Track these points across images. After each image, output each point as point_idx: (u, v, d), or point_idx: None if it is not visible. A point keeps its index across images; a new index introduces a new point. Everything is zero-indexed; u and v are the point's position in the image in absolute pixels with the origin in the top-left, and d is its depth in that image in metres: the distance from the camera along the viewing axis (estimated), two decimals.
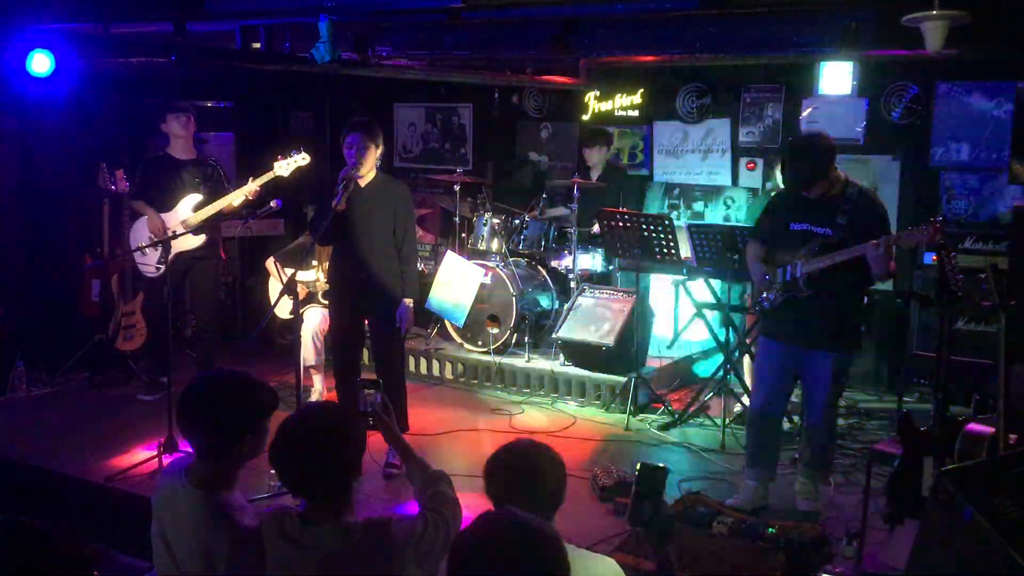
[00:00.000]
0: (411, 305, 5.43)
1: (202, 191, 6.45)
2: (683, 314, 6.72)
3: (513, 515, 2.00)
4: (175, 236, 6.17)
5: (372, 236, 5.32)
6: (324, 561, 2.56)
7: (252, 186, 6.20)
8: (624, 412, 6.37)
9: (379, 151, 5.31)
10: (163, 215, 6.46)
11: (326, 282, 6.46)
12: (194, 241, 6.36)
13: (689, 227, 6.39)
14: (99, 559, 2.15)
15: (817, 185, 4.57)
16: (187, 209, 6.44)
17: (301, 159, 6.12)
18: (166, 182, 6.49)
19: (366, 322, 5.59)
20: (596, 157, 7.64)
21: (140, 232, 6.58)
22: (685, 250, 6.50)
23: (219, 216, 6.44)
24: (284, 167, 6.12)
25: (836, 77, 7.29)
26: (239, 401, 2.79)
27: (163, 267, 6.36)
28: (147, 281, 6.69)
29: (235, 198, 6.27)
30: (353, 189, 5.20)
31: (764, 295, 4.85)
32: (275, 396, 2.91)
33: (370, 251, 5.33)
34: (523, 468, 2.59)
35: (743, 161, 7.96)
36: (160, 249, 6.33)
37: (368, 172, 5.29)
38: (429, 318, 7.66)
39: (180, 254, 6.37)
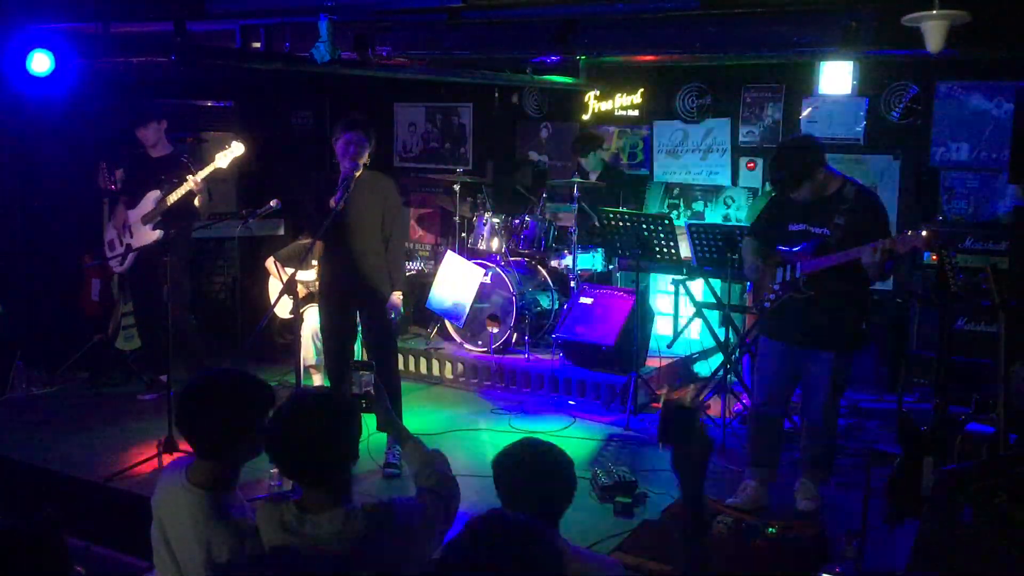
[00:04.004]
0: (400, 297, 5.48)
1: (163, 186, 6.47)
2: (683, 314, 6.73)
3: (503, 517, 1.98)
4: (130, 251, 6.42)
5: (362, 232, 5.35)
6: (326, 548, 2.56)
7: (195, 179, 6.30)
8: (624, 411, 6.37)
9: (371, 149, 5.34)
10: (130, 211, 6.57)
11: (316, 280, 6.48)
12: (151, 236, 6.40)
13: (689, 227, 6.39)
14: (75, 554, 2.14)
15: (802, 188, 4.55)
16: (148, 204, 6.50)
17: (236, 148, 6.35)
18: (140, 178, 6.60)
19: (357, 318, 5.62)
20: (592, 163, 7.65)
21: (110, 227, 6.74)
22: (685, 250, 6.50)
23: (185, 213, 6.48)
24: (223, 158, 6.34)
25: (836, 77, 7.29)
26: (236, 400, 2.79)
27: (126, 263, 6.54)
28: (132, 281, 6.72)
29: (181, 192, 6.35)
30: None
31: (764, 295, 4.85)
32: (272, 394, 2.89)
33: (361, 246, 5.35)
34: (537, 468, 2.58)
35: (743, 161, 7.96)
36: (123, 245, 6.53)
37: (359, 169, 5.31)
38: (429, 318, 7.67)
39: (141, 250, 6.41)
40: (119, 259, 6.57)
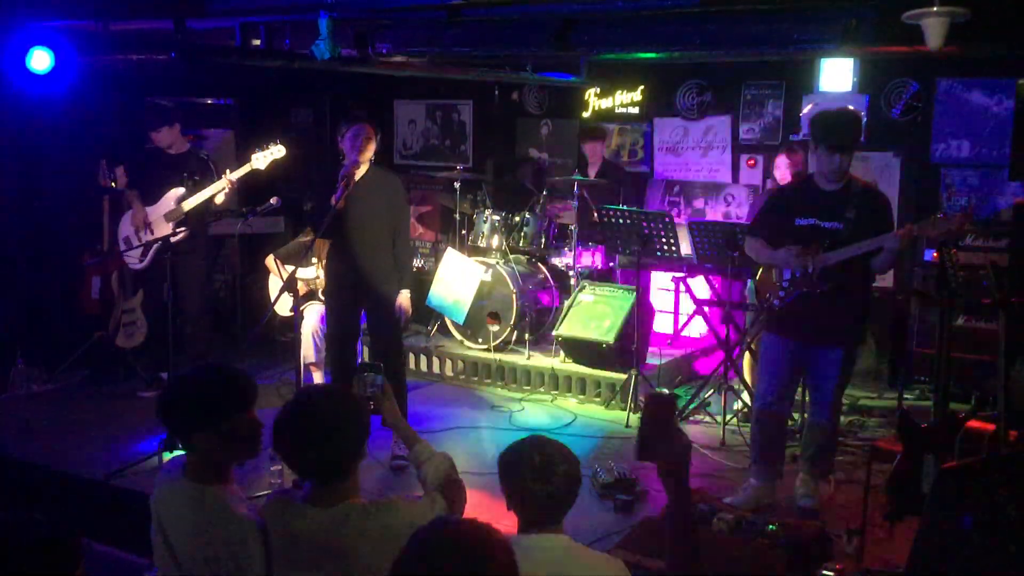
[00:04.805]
0: (408, 296, 5.45)
1: (187, 184, 6.49)
2: (683, 311, 6.72)
3: (453, 523, 1.98)
4: (153, 242, 6.30)
5: (368, 229, 5.34)
6: (332, 544, 2.56)
7: (230, 178, 6.29)
8: (624, 409, 6.37)
9: (377, 142, 5.34)
10: (149, 208, 6.55)
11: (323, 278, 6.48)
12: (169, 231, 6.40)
13: (689, 224, 6.39)
14: (84, 553, 2.14)
15: (851, 154, 4.55)
16: (170, 202, 6.50)
17: (277, 151, 6.27)
18: (155, 174, 6.58)
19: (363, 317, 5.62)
20: (597, 152, 7.64)
21: (126, 224, 6.68)
22: (685, 247, 6.50)
23: (206, 211, 6.49)
24: (261, 159, 6.26)
25: (836, 74, 7.28)
26: (207, 392, 2.78)
27: (145, 261, 6.52)
28: (146, 277, 6.72)
29: (214, 191, 6.35)
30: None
31: (772, 292, 4.84)
32: (252, 386, 2.87)
33: (366, 244, 5.35)
34: (543, 465, 2.58)
35: (743, 158, 7.96)
36: (142, 242, 6.50)
37: (364, 165, 5.30)
38: (429, 315, 7.67)
39: (163, 247, 6.39)
40: (138, 256, 6.56)
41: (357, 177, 5.30)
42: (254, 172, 6.37)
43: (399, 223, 5.44)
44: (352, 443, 2.65)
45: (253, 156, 6.27)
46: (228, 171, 6.31)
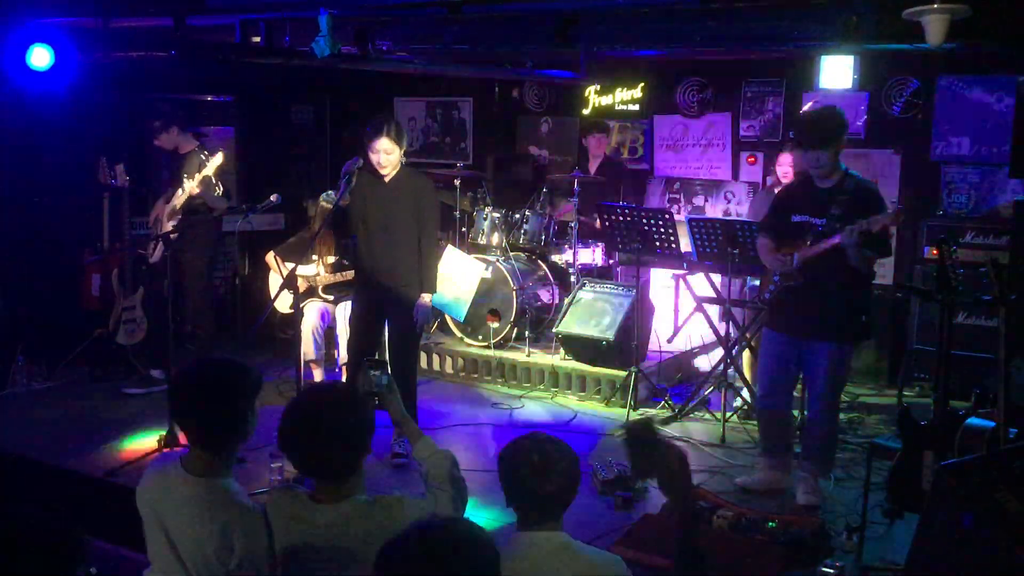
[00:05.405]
0: (429, 300, 5.41)
1: (184, 185, 6.60)
2: (683, 308, 6.73)
3: (437, 523, 1.98)
4: (160, 236, 6.43)
5: (394, 230, 5.31)
6: (335, 540, 2.56)
7: (192, 183, 6.50)
8: (624, 406, 6.37)
9: (403, 149, 5.27)
10: (166, 205, 6.75)
11: (326, 274, 6.49)
12: (168, 229, 6.52)
13: (689, 221, 6.39)
14: (87, 548, 2.15)
15: (824, 151, 4.56)
16: (176, 199, 6.69)
17: (217, 160, 6.55)
18: (170, 174, 6.84)
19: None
20: (601, 147, 7.64)
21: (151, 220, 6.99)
22: (685, 244, 6.50)
23: (197, 209, 6.63)
24: (209, 167, 6.53)
25: (837, 71, 7.28)
26: (225, 389, 2.78)
27: (156, 255, 6.69)
28: (147, 274, 6.77)
29: (184, 197, 6.57)
30: (376, 183, 5.22)
31: (767, 287, 4.91)
32: (259, 375, 2.89)
33: (392, 245, 5.32)
34: (542, 462, 2.58)
35: (744, 155, 7.96)
36: (152, 237, 6.75)
37: (391, 168, 5.25)
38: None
39: (164, 243, 6.45)
40: (151, 250, 6.79)
41: (387, 178, 5.26)
42: (206, 178, 6.56)
43: (425, 226, 5.35)
44: (357, 440, 2.65)
45: (209, 162, 6.51)
46: (198, 174, 6.51)
